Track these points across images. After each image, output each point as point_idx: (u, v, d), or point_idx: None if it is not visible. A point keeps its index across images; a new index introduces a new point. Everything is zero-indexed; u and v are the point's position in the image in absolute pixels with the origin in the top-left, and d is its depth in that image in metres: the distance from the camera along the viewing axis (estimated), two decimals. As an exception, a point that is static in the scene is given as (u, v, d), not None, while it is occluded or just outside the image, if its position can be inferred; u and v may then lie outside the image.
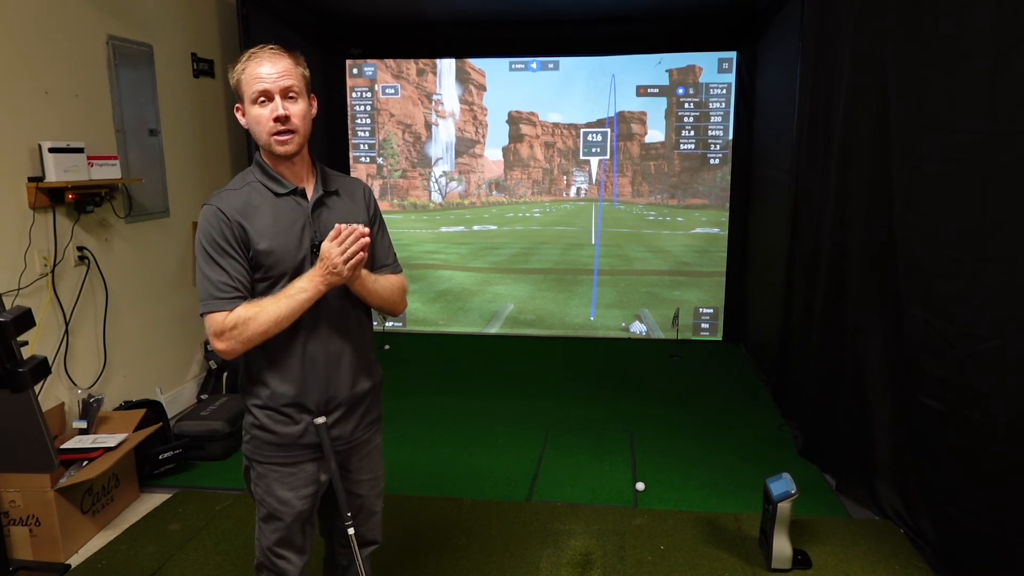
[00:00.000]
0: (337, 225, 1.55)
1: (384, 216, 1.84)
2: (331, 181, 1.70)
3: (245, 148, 4.54)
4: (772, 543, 2.50)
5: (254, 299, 1.57)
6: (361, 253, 1.55)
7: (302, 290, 1.54)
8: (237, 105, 1.61)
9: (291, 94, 1.56)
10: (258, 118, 1.56)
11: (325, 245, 1.54)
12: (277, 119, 1.54)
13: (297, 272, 1.59)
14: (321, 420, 1.64)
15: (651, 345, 5.48)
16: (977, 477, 2.30)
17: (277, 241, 1.57)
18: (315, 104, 1.65)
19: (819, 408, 3.34)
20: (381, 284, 1.70)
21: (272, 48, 1.57)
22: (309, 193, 1.64)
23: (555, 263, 5.78)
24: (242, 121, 1.61)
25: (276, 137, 1.56)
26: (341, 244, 1.53)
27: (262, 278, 1.58)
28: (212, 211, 1.55)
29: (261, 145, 1.60)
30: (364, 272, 1.64)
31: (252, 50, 1.57)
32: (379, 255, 1.77)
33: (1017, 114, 2.06)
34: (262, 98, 1.55)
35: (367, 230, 1.56)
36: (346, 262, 1.53)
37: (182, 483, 3.25)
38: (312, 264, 1.59)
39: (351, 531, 1.71)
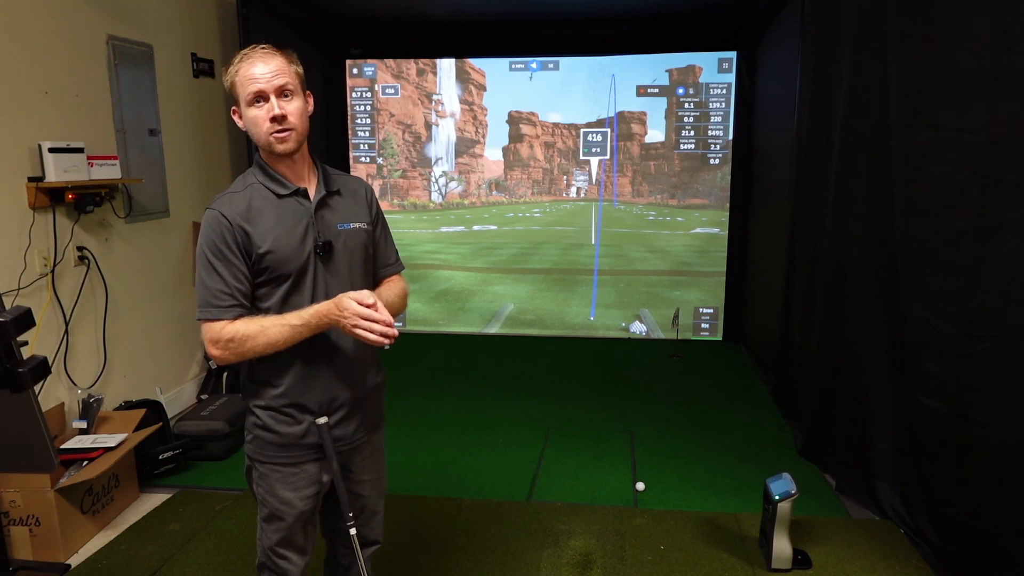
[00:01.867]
0: (374, 297, 1.51)
1: (382, 212, 1.85)
2: (333, 180, 1.69)
3: (245, 148, 4.54)
4: (772, 543, 2.50)
5: (256, 315, 1.56)
6: (374, 340, 1.50)
7: (306, 325, 1.52)
8: (233, 108, 1.60)
9: (286, 92, 1.55)
10: (255, 119, 1.54)
11: (352, 305, 1.48)
12: (274, 119, 1.53)
13: (301, 274, 1.58)
14: (323, 420, 1.64)
15: (651, 345, 5.48)
16: (977, 477, 2.30)
17: (280, 243, 1.56)
18: (311, 101, 1.64)
19: (819, 408, 3.34)
20: (390, 302, 1.67)
21: (263, 48, 1.56)
22: (311, 193, 1.64)
23: (555, 263, 5.78)
24: (239, 123, 1.60)
25: (275, 135, 1.55)
26: (368, 320, 1.48)
27: (265, 281, 1.57)
28: (214, 216, 1.54)
29: (260, 146, 1.59)
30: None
31: (243, 51, 1.56)
32: (382, 255, 1.79)
33: (1017, 114, 2.06)
34: (258, 99, 1.53)
35: (396, 333, 1.50)
36: (355, 329, 1.49)
37: (182, 483, 3.25)
38: (316, 266, 1.59)
39: (353, 532, 1.71)
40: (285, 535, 1.69)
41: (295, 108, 1.56)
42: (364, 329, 1.49)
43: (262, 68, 1.52)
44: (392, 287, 1.77)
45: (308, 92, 1.63)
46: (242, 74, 1.53)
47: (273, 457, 1.65)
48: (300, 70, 1.60)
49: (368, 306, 1.50)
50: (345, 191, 1.71)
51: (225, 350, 1.53)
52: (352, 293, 1.52)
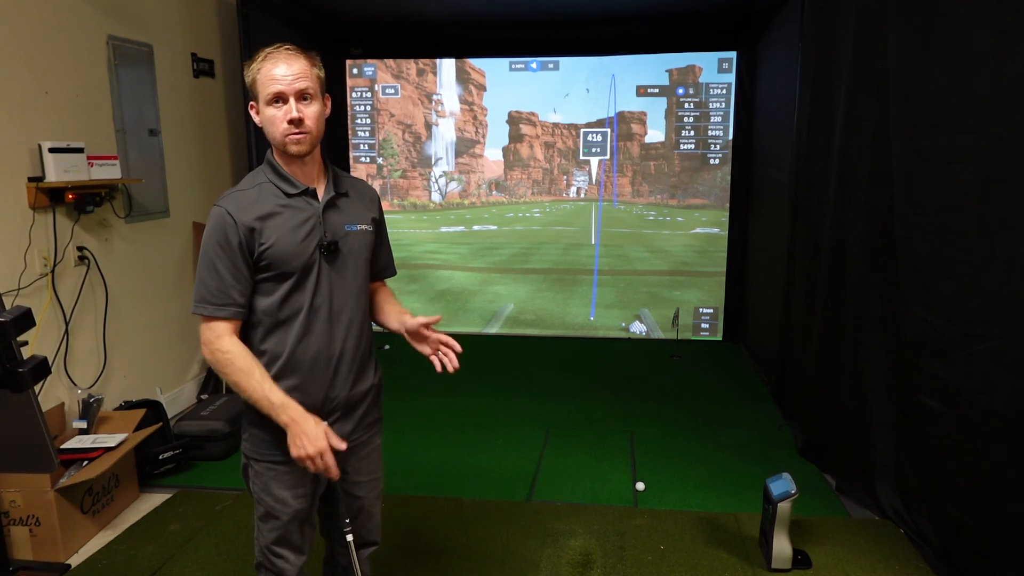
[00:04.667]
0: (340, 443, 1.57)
1: (384, 216, 1.86)
2: (342, 182, 1.71)
3: (245, 148, 4.54)
4: (772, 543, 2.50)
5: (254, 356, 1.57)
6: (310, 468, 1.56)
7: (270, 405, 1.53)
8: (252, 103, 1.61)
9: (306, 96, 1.56)
10: (272, 119, 1.56)
11: (322, 442, 1.53)
12: (291, 121, 1.55)
13: (305, 272, 1.59)
14: (323, 424, 1.64)
15: (651, 345, 5.48)
16: (977, 477, 2.30)
17: (284, 241, 1.57)
18: (329, 104, 1.66)
19: (819, 408, 3.34)
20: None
21: (288, 48, 1.57)
22: (320, 193, 1.65)
23: (555, 263, 5.78)
24: (256, 119, 1.62)
25: (290, 137, 1.56)
26: (318, 460, 1.54)
27: (269, 277, 1.58)
28: (220, 213, 1.55)
29: (275, 144, 1.61)
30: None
31: (268, 50, 1.57)
32: (381, 259, 1.82)
33: (1017, 114, 2.06)
34: (277, 100, 1.55)
35: (337, 474, 1.58)
36: (303, 458, 1.55)
37: (182, 483, 3.25)
38: (320, 265, 1.61)
39: (349, 537, 1.71)
40: (281, 534, 1.69)
41: (313, 112, 1.58)
42: (307, 461, 1.54)
43: (284, 70, 1.54)
44: (392, 300, 1.86)
45: (327, 95, 1.65)
46: (264, 73, 1.54)
47: (267, 455, 1.65)
48: (322, 73, 1.62)
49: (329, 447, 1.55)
50: (353, 193, 1.72)
51: (211, 355, 1.57)
52: (330, 432, 1.56)
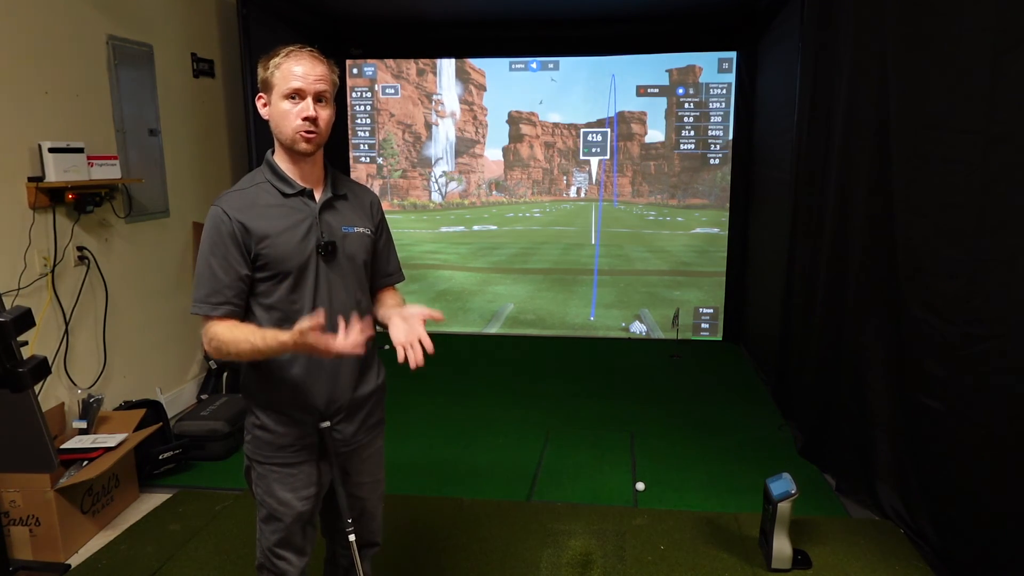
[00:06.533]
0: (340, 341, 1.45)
1: (387, 222, 1.86)
2: (340, 185, 1.71)
3: (245, 148, 4.54)
4: (772, 543, 2.50)
5: (243, 322, 1.57)
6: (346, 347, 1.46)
7: (283, 345, 1.48)
8: (260, 95, 1.63)
9: (322, 98, 1.59)
10: (286, 113, 1.57)
11: (305, 322, 1.42)
12: (306, 119, 1.56)
13: (302, 272, 1.60)
14: (326, 425, 1.64)
15: (651, 345, 5.48)
16: (977, 477, 2.30)
17: (280, 240, 1.57)
18: (335, 111, 1.67)
19: (819, 408, 3.34)
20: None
21: (311, 51, 1.60)
22: (318, 195, 1.65)
23: (555, 263, 5.78)
24: (263, 112, 1.63)
25: (302, 134, 1.58)
26: (340, 344, 1.45)
27: (267, 276, 1.59)
28: (216, 212, 1.57)
29: (282, 140, 1.61)
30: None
31: (291, 48, 1.60)
32: (383, 265, 1.80)
33: (1017, 114, 2.06)
34: (294, 96, 1.57)
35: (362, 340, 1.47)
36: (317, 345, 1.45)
37: (182, 483, 3.24)
38: (318, 265, 1.61)
39: (352, 537, 1.71)
40: (283, 536, 1.69)
41: (326, 115, 1.61)
42: (337, 348, 1.44)
43: (307, 69, 1.56)
44: (398, 300, 1.78)
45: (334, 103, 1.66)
46: (286, 68, 1.57)
47: (271, 457, 1.65)
48: (337, 81, 1.64)
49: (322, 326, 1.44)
50: (351, 196, 1.72)
51: (209, 347, 1.58)
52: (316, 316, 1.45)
